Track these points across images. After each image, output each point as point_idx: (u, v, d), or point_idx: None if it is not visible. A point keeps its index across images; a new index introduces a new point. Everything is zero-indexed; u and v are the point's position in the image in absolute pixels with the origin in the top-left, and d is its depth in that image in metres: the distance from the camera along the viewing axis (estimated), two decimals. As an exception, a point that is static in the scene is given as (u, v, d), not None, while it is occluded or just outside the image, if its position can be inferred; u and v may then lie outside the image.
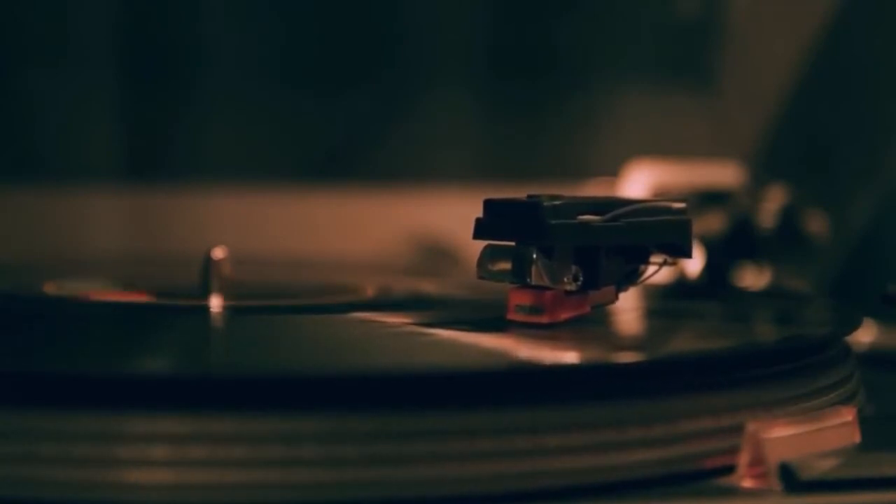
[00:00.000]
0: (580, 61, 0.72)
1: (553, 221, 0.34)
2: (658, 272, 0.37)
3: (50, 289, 0.45)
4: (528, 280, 0.35)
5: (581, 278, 0.35)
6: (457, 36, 0.70)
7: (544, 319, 0.35)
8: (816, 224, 0.53)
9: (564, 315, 0.35)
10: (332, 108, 0.70)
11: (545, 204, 0.34)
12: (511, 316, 0.35)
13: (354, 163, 0.71)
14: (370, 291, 0.45)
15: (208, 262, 0.42)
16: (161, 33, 0.69)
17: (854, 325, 0.38)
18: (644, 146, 0.63)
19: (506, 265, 0.35)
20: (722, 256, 0.52)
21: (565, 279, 0.35)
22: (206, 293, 0.42)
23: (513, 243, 0.35)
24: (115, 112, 0.68)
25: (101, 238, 0.67)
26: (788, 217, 0.53)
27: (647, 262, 0.37)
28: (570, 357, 0.32)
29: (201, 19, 0.69)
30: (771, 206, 0.53)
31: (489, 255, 0.35)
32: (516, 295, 0.35)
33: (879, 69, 0.66)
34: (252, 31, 0.70)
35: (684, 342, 0.38)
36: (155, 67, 0.69)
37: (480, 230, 0.35)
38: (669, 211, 0.36)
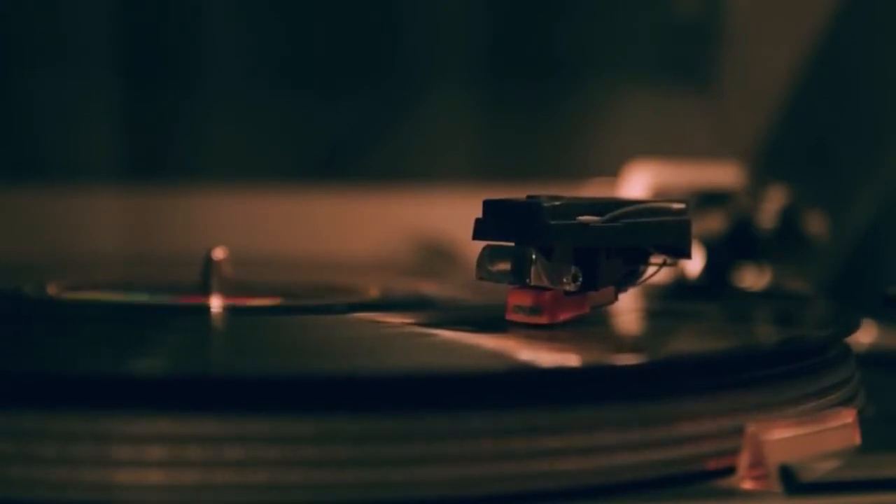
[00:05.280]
0: (580, 61, 0.72)
1: (552, 222, 0.34)
2: (657, 273, 0.37)
3: (51, 289, 0.45)
4: (528, 281, 0.35)
5: (580, 279, 0.35)
6: (457, 36, 0.70)
7: (543, 320, 0.35)
8: (816, 224, 0.53)
9: (563, 316, 0.35)
10: (332, 109, 0.70)
11: (544, 204, 0.34)
12: (510, 316, 0.35)
13: (354, 163, 0.71)
14: (370, 292, 0.45)
15: (208, 262, 0.42)
16: (161, 33, 0.69)
17: (854, 327, 0.38)
18: (644, 146, 0.63)
19: (505, 266, 0.35)
20: (722, 257, 0.52)
21: (564, 280, 0.35)
22: (206, 293, 0.42)
23: (512, 244, 0.35)
24: (115, 112, 0.68)
25: (101, 238, 0.67)
26: (788, 217, 0.53)
27: (647, 263, 0.37)
28: (569, 358, 0.32)
29: (201, 19, 0.69)
30: (771, 206, 0.53)
31: (488, 255, 0.35)
32: (515, 295, 0.35)
33: (879, 69, 0.66)
34: (252, 31, 0.70)
35: (684, 343, 0.38)
36: (155, 67, 0.69)
37: (480, 230, 0.35)
38: (669, 212, 0.36)
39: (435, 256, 0.66)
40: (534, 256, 0.34)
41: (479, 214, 0.35)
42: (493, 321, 0.36)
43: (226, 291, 0.42)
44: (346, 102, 0.70)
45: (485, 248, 0.35)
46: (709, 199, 0.54)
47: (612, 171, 0.61)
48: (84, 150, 0.68)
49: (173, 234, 0.68)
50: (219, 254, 0.42)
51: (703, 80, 0.72)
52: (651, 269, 0.37)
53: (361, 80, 0.70)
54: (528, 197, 0.35)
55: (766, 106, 0.70)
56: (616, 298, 0.37)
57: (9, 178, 0.67)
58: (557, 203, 0.34)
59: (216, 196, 0.68)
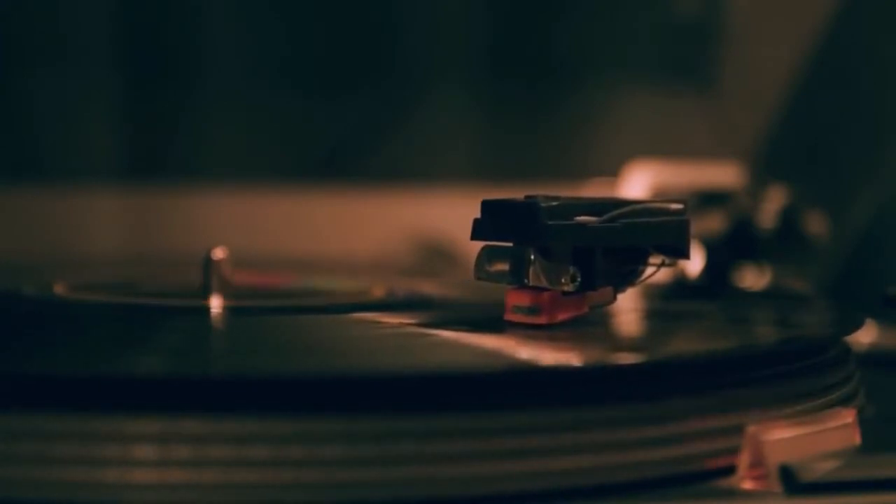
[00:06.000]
0: (580, 61, 0.72)
1: (550, 222, 0.34)
2: (656, 273, 0.37)
3: (50, 289, 0.45)
4: (526, 281, 0.34)
5: (578, 279, 0.35)
6: (457, 37, 0.70)
7: (542, 320, 0.35)
8: (816, 224, 0.53)
9: (562, 316, 0.35)
10: (333, 109, 0.70)
11: (542, 205, 0.34)
12: (509, 317, 0.35)
13: (354, 163, 0.71)
14: (370, 292, 0.45)
15: (208, 262, 0.42)
16: (161, 33, 0.69)
17: (855, 327, 0.38)
18: (644, 146, 0.63)
19: (503, 266, 0.35)
20: (722, 257, 0.52)
21: (563, 280, 0.35)
22: (206, 293, 0.42)
23: (510, 244, 0.35)
24: (115, 112, 0.68)
25: (101, 238, 0.67)
26: (788, 217, 0.53)
27: (646, 263, 0.37)
28: (568, 358, 0.32)
29: (202, 20, 0.69)
30: (771, 206, 0.53)
31: (487, 255, 0.35)
32: (514, 296, 0.35)
33: (880, 69, 0.66)
34: (252, 31, 0.70)
35: (684, 343, 0.37)
36: (155, 67, 0.69)
37: (478, 231, 0.35)
38: (667, 212, 0.36)
39: (435, 256, 0.66)
40: (532, 257, 0.34)
41: (478, 215, 0.35)
42: (492, 321, 0.36)
43: (225, 292, 0.42)
44: (346, 102, 0.70)
45: (483, 249, 0.35)
46: (709, 199, 0.54)
47: (612, 171, 0.61)
48: (84, 150, 0.68)
49: (173, 234, 0.68)
50: (219, 254, 0.42)
51: (703, 80, 0.72)
52: (650, 270, 0.37)
53: (361, 80, 0.70)
54: (526, 197, 0.35)
55: (766, 106, 0.70)
56: (614, 298, 0.36)
57: (9, 178, 0.67)
58: (555, 203, 0.34)
59: (216, 196, 0.68)
